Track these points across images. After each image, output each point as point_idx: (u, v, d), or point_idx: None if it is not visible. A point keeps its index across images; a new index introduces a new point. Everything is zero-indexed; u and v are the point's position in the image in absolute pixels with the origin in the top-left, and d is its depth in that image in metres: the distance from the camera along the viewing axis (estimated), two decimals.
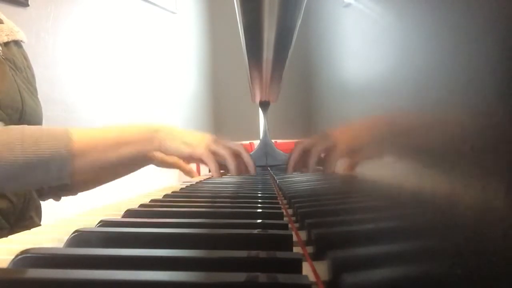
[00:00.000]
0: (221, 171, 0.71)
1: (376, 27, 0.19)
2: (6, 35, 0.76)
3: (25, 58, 0.82)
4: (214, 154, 0.68)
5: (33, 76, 0.83)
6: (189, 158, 0.71)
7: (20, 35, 0.80)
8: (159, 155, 0.70)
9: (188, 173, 0.79)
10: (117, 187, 0.83)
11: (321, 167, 0.50)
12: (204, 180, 0.94)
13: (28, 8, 1.63)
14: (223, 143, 0.71)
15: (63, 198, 0.88)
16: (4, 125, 0.68)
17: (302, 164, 0.65)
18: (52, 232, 0.40)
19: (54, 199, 0.87)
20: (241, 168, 0.69)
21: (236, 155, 0.70)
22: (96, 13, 2.05)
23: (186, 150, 0.68)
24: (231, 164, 0.67)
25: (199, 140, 0.69)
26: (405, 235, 0.15)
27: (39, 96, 0.85)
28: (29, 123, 0.74)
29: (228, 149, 0.69)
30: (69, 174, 0.59)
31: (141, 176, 0.74)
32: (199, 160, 0.70)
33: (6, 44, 0.76)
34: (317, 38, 0.47)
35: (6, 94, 0.70)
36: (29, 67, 0.82)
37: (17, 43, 0.80)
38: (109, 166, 0.67)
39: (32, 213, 0.79)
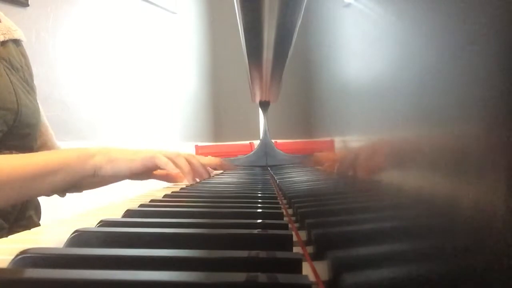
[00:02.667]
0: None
1: (376, 27, 0.19)
2: (2, 34, 0.75)
3: (24, 56, 0.81)
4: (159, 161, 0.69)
5: (31, 75, 0.82)
6: (136, 174, 0.70)
7: (18, 34, 0.79)
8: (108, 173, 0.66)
9: (169, 179, 0.77)
10: (117, 187, 0.83)
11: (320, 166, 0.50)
12: (204, 180, 0.94)
13: (28, 8, 1.63)
14: (166, 154, 0.71)
15: (68, 194, 0.88)
16: None
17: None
18: (52, 232, 0.40)
19: (59, 195, 0.87)
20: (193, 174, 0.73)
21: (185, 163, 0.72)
22: (96, 13, 2.05)
23: (124, 171, 0.67)
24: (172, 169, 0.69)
25: (135, 155, 0.69)
26: (405, 235, 0.15)
27: (38, 96, 0.84)
28: (25, 124, 0.73)
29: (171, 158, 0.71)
30: None
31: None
32: (144, 170, 0.70)
33: (3, 43, 0.75)
34: (317, 38, 0.47)
35: (1, 95, 0.68)
36: (27, 65, 0.81)
37: (15, 42, 0.79)
38: (41, 194, 0.63)
39: (31, 212, 0.78)
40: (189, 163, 0.75)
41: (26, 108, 0.73)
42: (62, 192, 0.80)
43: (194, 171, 0.76)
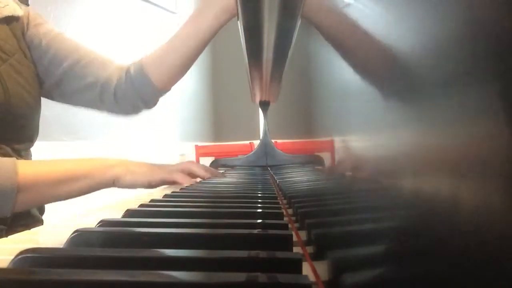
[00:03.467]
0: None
1: (376, 27, 0.19)
2: None
3: (18, 38, 0.72)
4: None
5: (30, 58, 0.74)
6: (150, 187, 0.74)
7: (8, 10, 0.70)
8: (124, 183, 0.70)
9: (179, 182, 0.81)
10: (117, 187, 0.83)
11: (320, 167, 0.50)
12: (204, 180, 0.94)
13: (28, 8, 1.63)
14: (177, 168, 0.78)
15: (69, 200, 0.88)
16: None
17: None
18: (52, 232, 0.40)
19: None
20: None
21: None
22: (96, 13, 2.05)
23: (142, 182, 0.71)
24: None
25: (155, 171, 0.74)
26: (405, 235, 0.15)
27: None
28: (18, 115, 0.68)
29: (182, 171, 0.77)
30: (10, 209, 0.55)
31: None
32: (162, 184, 0.75)
33: None
34: (317, 38, 0.47)
35: None
36: (22, 48, 0.72)
37: (8, 20, 0.70)
38: (59, 199, 0.65)
39: (35, 211, 0.78)
40: (194, 171, 0.83)
41: (17, 99, 0.68)
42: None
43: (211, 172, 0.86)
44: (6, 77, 0.67)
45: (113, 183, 0.67)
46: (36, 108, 0.75)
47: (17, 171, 0.55)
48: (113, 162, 0.68)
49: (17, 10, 0.74)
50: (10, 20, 0.72)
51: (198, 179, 0.85)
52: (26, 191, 0.56)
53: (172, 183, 0.78)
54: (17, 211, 0.58)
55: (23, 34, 0.76)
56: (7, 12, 0.71)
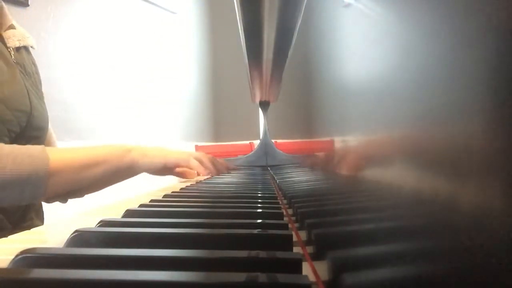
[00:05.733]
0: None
1: (376, 27, 0.19)
2: (18, 40, 0.78)
3: (34, 64, 0.84)
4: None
5: (40, 82, 0.85)
6: (165, 169, 0.78)
7: (30, 41, 0.83)
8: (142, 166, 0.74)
9: (184, 175, 0.83)
10: (117, 187, 0.83)
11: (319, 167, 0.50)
12: (204, 180, 0.94)
13: (28, 8, 1.63)
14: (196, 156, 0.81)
15: (69, 200, 0.89)
16: (11, 127, 0.69)
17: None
18: (52, 232, 0.40)
19: (61, 202, 0.88)
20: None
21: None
22: (96, 13, 2.05)
23: (158, 164, 0.75)
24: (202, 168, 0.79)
25: (170, 153, 0.78)
26: (405, 235, 0.15)
27: None
28: (36, 127, 0.76)
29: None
30: (43, 193, 0.59)
31: (141, 176, 0.75)
32: (175, 166, 0.78)
33: (17, 49, 0.78)
34: (317, 38, 0.47)
35: (16, 97, 0.71)
36: (37, 73, 0.84)
37: (27, 49, 0.83)
38: (83, 185, 0.69)
39: (33, 214, 0.79)
40: (212, 163, 0.85)
41: (38, 112, 0.76)
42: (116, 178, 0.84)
43: (217, 169, 0.86)
44: (29, 91, 0.76)
45: (131, 167, 0.71)
46: (47, 124, 0.83)
47: (48, 156, 0.60)
48: (130, 147, 0.72)
49: (35, 45, 0.86)
50: (29, 50, 0.84)
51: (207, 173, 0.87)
52: (56, 175, 0.60)
53: (184, 168, 0.80)
54: (48, 195, 0.62)
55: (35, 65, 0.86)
56: (30, 42, 0.82)
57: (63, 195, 0.87)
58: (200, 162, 0.82)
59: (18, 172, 0.56)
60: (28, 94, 0.75)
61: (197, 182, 0.85)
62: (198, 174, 0.89)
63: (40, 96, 0.82)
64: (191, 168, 0.79)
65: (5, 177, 0.55)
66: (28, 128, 0.74)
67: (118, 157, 0.69)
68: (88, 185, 0.69)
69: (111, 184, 0.89)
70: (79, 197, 0.90)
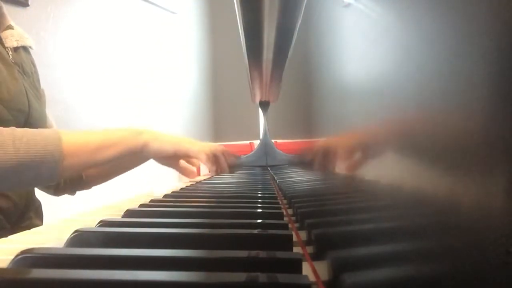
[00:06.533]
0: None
1: (376, 27, 0.19)
2: (16, 40, 0.78)
3: (32, 64, 0.85)
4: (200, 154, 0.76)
5: (38, 81, 0.85)
6: (174, 158, 0.77)
7: (29, 41, 0.83)
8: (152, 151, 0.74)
9: (185, 173, 0.81)
10: (117, 187, 0.83)
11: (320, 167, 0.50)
12: (204, 180, 0.94)
13: (28, 8, 1.63)
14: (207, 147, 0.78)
15: (77, 192, 0.90)
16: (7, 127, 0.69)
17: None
18: (52, 232, 0.40)
19: (69, 194, 0.89)
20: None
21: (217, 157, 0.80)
22: (96, 13, 2.05)
23: (169, 149, 0.74)
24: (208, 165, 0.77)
25: (181, 140, 0.76)
26: (405, 235, 0.15)
27: None
28: (34, 126, 0.76)
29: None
30: (58, 174, 0.60)
31: (141, 176, 0.75)
32: (185, 156, 0.77)
33: (15, 49, 0.78)
34: (317, 38, 0.47)
35: (15, 97, 0.71)
36: (35, 72, 0.84)
37: (25, 49, 0.83)
38: (96, 166, 0.70)
39: (32, 214, 0.79)
40: (218, 157, 0.82)
41: (36, 112, 0.76)
42: (126, 162, 0.85)
43: (223, 167, 0.83)
44: (28, 91, 0.76)
45: (142, 149, 0.71)
46: (45, 124, 0.83)
47: (61, 139, 0.61)
48: (141, 130, 0.72)
49: (33, 45, 0.86)
50: (28, 50, 0.84)
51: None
52: (70, 157, 0.61)
53: (187, 165, 0.79)
54: (62, 177, 0.64)
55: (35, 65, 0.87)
56: (28, 42, 0.82)
57: (71, 187, 0.88)
58: (208, 157, 0.80)
59: (32, 155, 0.57)
60: (27, 94, 0.75)
61: (197, 182, 0.85)
62: (198, 174, 0.87)
63: (39, 96, 0.82)
64: (199, 160, 0.78)
65: (19, 160, 0.56)
66: (26, 128, 0.74)
67: (131, 138, 0.70)
68: (103, 164, 0.70)
69: (122, 171, 0.89)
70: (86, 188, 0.90)
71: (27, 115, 0.74)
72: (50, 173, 0.59)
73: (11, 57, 0.75)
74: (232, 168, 0.87)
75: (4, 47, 0.76)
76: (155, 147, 0.72)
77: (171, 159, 0.77)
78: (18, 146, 0.56)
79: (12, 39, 0.78)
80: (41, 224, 0.82)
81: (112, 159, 0.68)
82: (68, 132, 0.64)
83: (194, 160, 0.82)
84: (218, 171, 0.81)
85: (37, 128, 0.78)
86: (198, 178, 0.98)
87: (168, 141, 0.74)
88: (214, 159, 0.80)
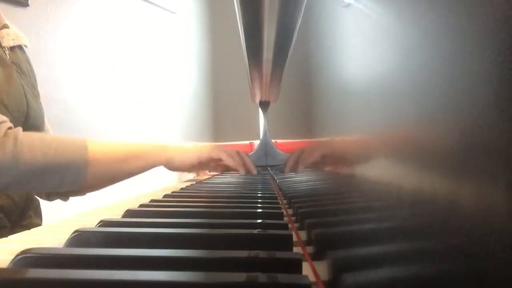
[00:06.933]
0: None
1: (376, 27, 0.19)
2: (12, 39, 0.78)
3: (28, 63, 0.85)
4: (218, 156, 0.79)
5: (35, 80, 0.85)
6: (199, 165, 0.79)
7: (24, 40, 0.83)
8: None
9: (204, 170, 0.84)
10: (117, 187, 0.83)
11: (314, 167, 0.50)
12: (204, 180, 0.94)
13: (28, 8, 1.63)
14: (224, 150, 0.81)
15: (70, 198, 0.89)
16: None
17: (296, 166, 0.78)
18: (52, 232, 0.40)
19: (62, 199, 0.88)
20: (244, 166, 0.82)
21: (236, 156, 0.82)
22: (96, 13, 2.05)
23: (192, 160, 0.76)
24: (231, 162, 0.79)
25: (202, 148, 0.79)
26: (405, 235, 0.15)
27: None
28: (32, 126, 0.76)
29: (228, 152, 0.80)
30: (81, 182, 0.62)
31: (141, 176, 0.75)
32: (209, 161, 0.79)
33: (12, 48, 0.78)
34: (317, 38, 0.47)
35: (13, 97, 0.72)
36: (32, 71, 0.85)
37: (21, 48, 0.83)
38: (118, 177, 0.71)
39: (31, 212, 0.79)
40: (241, 158, 0.85)
41: (34, 111, 0.77)
42: (50, 194, 0.83)
43: (246, 164, 0.85)
44: (26, 91, 0.76)
45: (166, 163, 0.73)
46: (43, 123, 0.84)
47: (88, 147, 0.62)
48: (168, 146, 0.75)
49: (28, 44, 0.86)
50: (23, 49, 0.84)
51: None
52: (94, 166, 0.63)
53: (217, 160, 0.80)
54: (88, 184, 0.65)
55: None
56: (24, 41, 0.82)
57: (64, 193, 0.87)
58: (230, 156, 0.82)
59: (58, 160, 0.59)
60: (25, 93, 0.75)
61: (197, 182, 0.85)
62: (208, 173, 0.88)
63: (36, 95, 0.82)
64: (224, 162, 0.80)
65: (46, 164, 0.58)
66: (25, 128, 0.73)
67: (155, 154, 0.72)
68: (127, 175, 0.71)
69: (119, 180, 0.90)
70: (80, 195, 0.89)
71: (26, 114, 0.74)
72: (73, 179, 0.61)
73: (8, 56, 0.75)
74: (256, 168, 0.89)
75: (1, 47, 0.75)
76: (179, 160, 0.74)
77: (196, 167, 0.79)
78: (47, 151, 0.58)
79: (8, 39, 0.78)
80: (41, 222, 0.82)
81: (135, 172, 0.70)
82: (95, 141, 0.66)
83: (220, 163, 0.83)
84: (246, 169, 0.82)
85: (35, 127, 0.77)
86: (198, 178, 0.98)
87: (190, 152, 0.76)
88: (240, 159, 0.82)
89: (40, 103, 0.83)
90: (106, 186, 0.90)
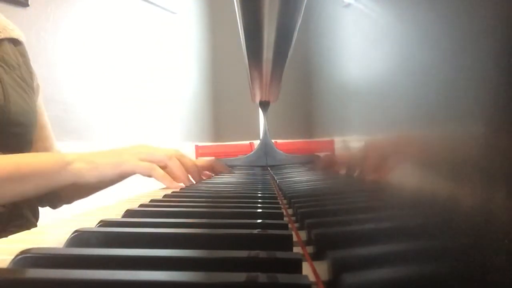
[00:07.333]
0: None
1: (376, 27, 0.19)
2: None
3: (23, 56, 0.80)
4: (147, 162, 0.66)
5: (31, 74, 0.81)
6: (120, 179, 0.68)
7: (15, 33, 0.78)
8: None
9: (164, 181, 0.70)
10: (117, 187, 0.83)
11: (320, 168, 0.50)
12: (204, 180, 0.94)
13: (28, 8, 1.63)
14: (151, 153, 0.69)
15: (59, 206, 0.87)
16: None
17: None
18: (52, 232, 0.40)
19: (50, 207, 0.86)
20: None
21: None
22: (96, 13, 2.05)
23: (110, 174, 0.64)
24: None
25: (124, 157, 0.65)
26: (405, 235, 0.15)
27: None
28: (16, 123, 0.71)
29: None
30: None
31: (141, 176, 0.74)
32: (133, 174, 0.67)
33: None
34: (317, 38, 0.47)
35: None
36: (27, 65, 0.80)
37: (12, 41, 0.78)
38: (7, 201, 0.59)
39: (27, 213, 0.78)
40: (184, 166, 0.74)
41: (17, 106, 0.71)
42: (51, 199, 0.80)
43: (188, 174, 0.76)
44: (7, 84, 0.71)
45: (75, 181, 0.61)
46: (34, 121, 0.77)
47: None
48: (71, 157, 0.62)
49: (22, 36, 0.81)
50: (16, 42, 0.79)
51: (181, 184, 0.72)
52: None
53: (147, 176, 0.68)
54: None
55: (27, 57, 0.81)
56: (14, 34, 0.78)
57: (48, 204, 0.83)
58: (171, 169, 0.68)
59: None
60: (3, 86, 0.69)
61: (196, 182, 0.85)
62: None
63: (28, 90, 0.76)
64: (152, 176, 0.67)
65: None
66: (5, 124, 0.68)
67: (53, 171, 0.59)
68: (18, 199, 0.58)
69: (77, 198, 0.80)
70: (67, 203, 0.85)
71: (3, 109, 0.67)
72: None
73: None
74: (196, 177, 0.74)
75: None
76: (92, 176, 0.62)
77: (123, 178, 0.67)
78: None
79: None
80: (35, 226, 0.81)
81: (29, 194, 0.58)
82: None
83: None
84: (174, 185, 0.69)
85: (19, 124, 0.70)
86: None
87: (109, 164, 0.63)
88: (179, 168, 0.69)
89: (33, 98, 0.78)
90: (89, 194, 0.80)
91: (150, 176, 0.68)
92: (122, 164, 0.65)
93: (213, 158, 0.93)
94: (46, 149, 0.85)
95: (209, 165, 0.91)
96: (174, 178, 0.72)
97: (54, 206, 0.86)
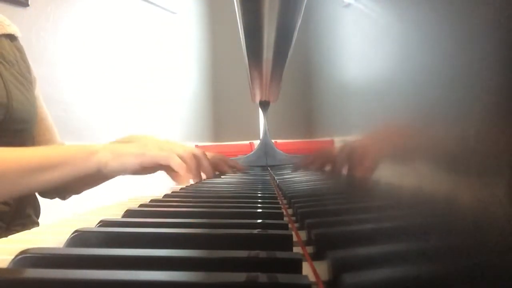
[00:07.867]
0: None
1: (376, 27, 0.19)
2: None
3: (19, 51, 0.79)
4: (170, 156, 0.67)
5: (28, 68, 0.80)
6: (142, 171, 0.68)
7: (11, 29, 0.78)
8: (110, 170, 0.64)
9: (175, 177, 0.71)
10: (117, 187, 0.83)
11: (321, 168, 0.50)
12: (204, 180, 0.94)
13: (28, 8, 1.63)
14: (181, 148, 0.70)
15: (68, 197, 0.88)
16: None
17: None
18: (52, 232, 0.40)
19: (60, 198, 0.87)
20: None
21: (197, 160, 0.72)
22: (96, 13, 2.05)
23: (132, 165, 0.64)
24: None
25: (145, 149, 0.67)
26: (405, 235, 0.15)
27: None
28: (19, 120, 0.71)
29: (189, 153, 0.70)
30: None
31: (141, 176, 0.74)
32: (154, 166, 0.68)
33: None
34: (317, 38, 0.47)
35: None
36: (24, 60, 0.79)
37: (9, 37, 0.78)
38: (35, 190, 0.61)
39: (30, 211, 0.78)
40: (199, 163, 0.75)
41: (19, 103, 0.71)
42: (61, 190, 0.80)
43: (202, 172, 0.76)
44: (8, 81, 0.71)
45: (99, 170, 0.62)
46: (35, 116, 0.78)
47: None
48: (96, 147, 0.62)
49: (18, 32, 0.81)
50: (12, 38, 0.79)
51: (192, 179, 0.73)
52: None
53: (165, 166, 0.69)
54: None
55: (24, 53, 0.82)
56: (10, 30, 0.78)
57: (56, 195, 0.84)
58: (187, 162, 0.70)
59: None
60: (5, 84, 0.69)
61: (197, 182, 0.85)
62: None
63: (27, 85, 0.76)
64: (173, 166, 0.68)
65: None
66: (8, 121, 0.68)
67: (80, 160, 0.60)
68: (45, 189, 0.60)
69: (87, 188, 0.81)
70: (76, 194, 0.87)
71: (6, 107, 0.68)
72: None
73: None
74: (209, 174, 0.74)
75: None
76: (115, 166, 0.63)
77: (143, 170, 0.68)
78: None
79: None
80: (37, 225, 0.81)
81: (55, 182, 0.59)
82: None
83: (170, 169, 0.70)
84: (195, 177, 0.69)
85: (22, 121, 0.71)
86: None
87: (132, 154, 0.64)
88: (194, 162, 0.70)
89: (31, 94, 0.78)
90: (97, 184, 0.84)
91: (168, 164, 0.68)
92: (144, 154, 0.66)
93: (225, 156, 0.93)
94: (48, 141, 0.85)
95: (229, 165, 0.92)
96: (184, 178, 0.72)
97: (63, 197, 0.86)
